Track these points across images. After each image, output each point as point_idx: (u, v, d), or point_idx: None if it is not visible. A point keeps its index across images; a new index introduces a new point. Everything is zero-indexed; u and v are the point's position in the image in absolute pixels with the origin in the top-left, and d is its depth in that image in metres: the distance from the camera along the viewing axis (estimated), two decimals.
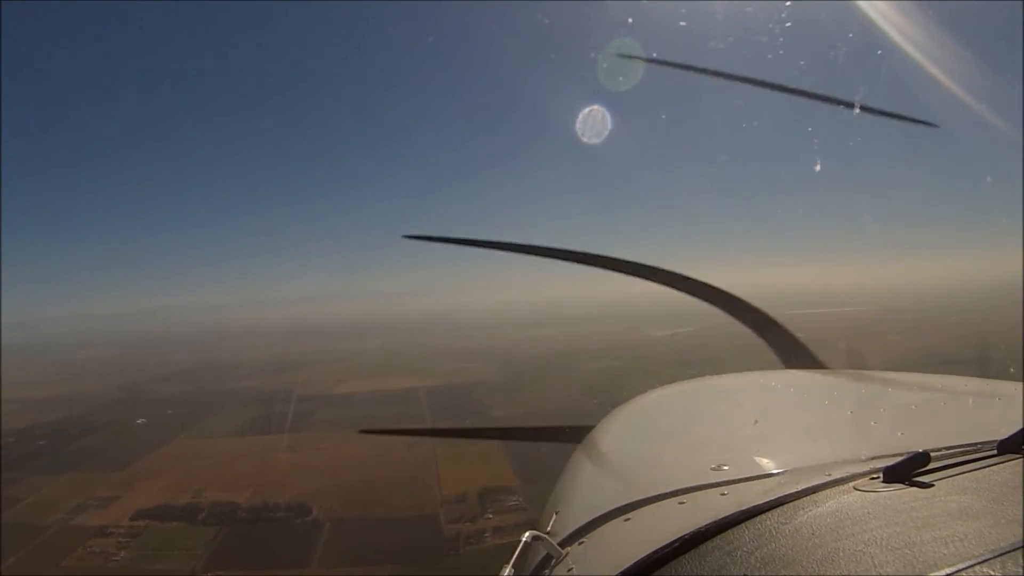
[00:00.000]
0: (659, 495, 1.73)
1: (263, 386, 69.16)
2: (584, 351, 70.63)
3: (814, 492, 1.42)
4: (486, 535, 31.06)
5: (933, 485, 1.35)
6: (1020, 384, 2.78)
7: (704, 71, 3.79)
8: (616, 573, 1.29)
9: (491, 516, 32.89)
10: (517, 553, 1.47)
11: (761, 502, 1.38)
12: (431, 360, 77.78)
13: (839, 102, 3.57)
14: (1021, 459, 1.50)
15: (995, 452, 1.58)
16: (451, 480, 37.00)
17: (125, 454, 47.55)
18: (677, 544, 1.29)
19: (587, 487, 2.29)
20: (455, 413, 51.36)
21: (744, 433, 2.48)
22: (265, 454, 45.13)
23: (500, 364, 70.61)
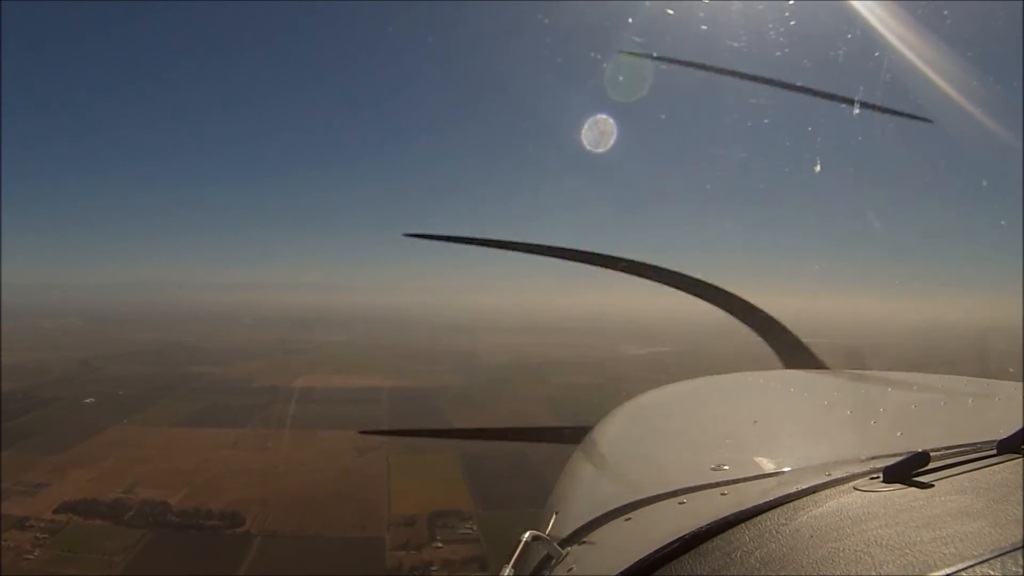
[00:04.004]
0: (659, 495, 1.72)
1: (221, 373, 67.53)
2: (556, 363, 69.66)
3: (814, 492, 1.42)
4: (432, 568, 29.18)
5: (933, 485, 1.36)
6: (1020, 384, 2.80)
7: (707, 68, 3.75)
8: (616, 573, 1.28)
9: (440, 544, 30.93)
10: (517, 553, 1.46)
11: (761, 502, 1.38)
12: (399, 360, 76.13)
13: (838, 98, 3.51)
14: (1021, 459, 1.50)
15: (995, 452, 1.58)
16: (402, 498, 34.93)
17: (65, 436, 45.35)
18: (677, 544, 1.29)
19: (587, 487, 2.24)
20: (414, 420, 49.72)
21: (744, 433, 2.45)
22: (208, 449, 43.07)
23: (469, 370, 69.12)
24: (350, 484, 36.10)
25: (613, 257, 3.71)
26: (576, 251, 3.75)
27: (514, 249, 3.87)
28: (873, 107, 3.44)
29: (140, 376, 65.89)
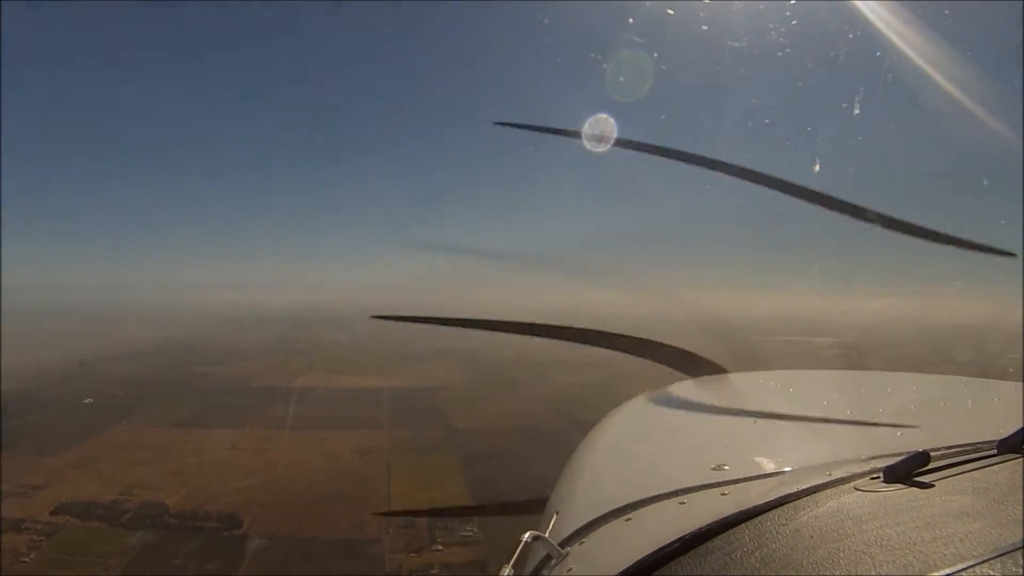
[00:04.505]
0: (659, 495, 1.73)
1: (221, 373, 67.33)
2: (558, 362, 69.14)
3: (814, 492, 1.43)
4: (432, 571, 28.83)
5: (933, 485, 1.36)
6: (1020, 384, 2.82)
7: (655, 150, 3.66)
8: (616, 573, 1.29)
9: (440, 548, 30.46)
10: (517, 553, 1.47)
11: (761, 502, 1.39)
12: (399, 358, 75.76)
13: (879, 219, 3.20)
14: (1021, 459, 1.51)
15: (995, 452, 1.59)
16: (402, 498, 34.59)
17: (63, 437, 45.07)
18: (677, 544, 1.30)
19: (587, 487, 2.25)
20: (415, 421, 49.45)
21: (744, 433, 2.50)
22: (208, 450, 42.85)
23: (469, 368, 68.97)
24: (350, 485, 35.85)
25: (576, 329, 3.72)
26: (540, 325, 3.75)
27: (481, 328, 3.82)
28: (950, 240, 3.11)
29: (140, 376, 65.59)
